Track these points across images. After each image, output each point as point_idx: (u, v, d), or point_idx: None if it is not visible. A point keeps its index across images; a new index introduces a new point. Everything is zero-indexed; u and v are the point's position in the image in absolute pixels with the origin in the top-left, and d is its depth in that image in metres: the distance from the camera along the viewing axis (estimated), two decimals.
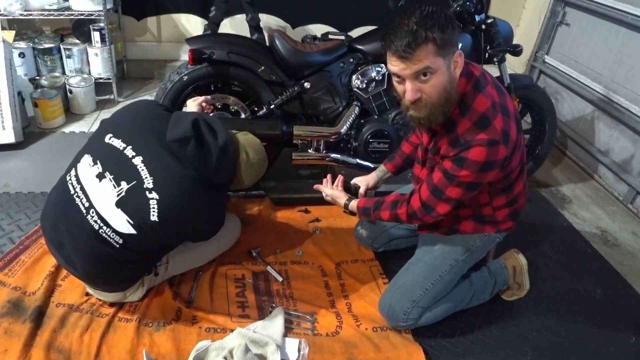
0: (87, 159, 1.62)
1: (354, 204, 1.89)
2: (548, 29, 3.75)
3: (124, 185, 1.53)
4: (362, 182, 2.08)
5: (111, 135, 1.62)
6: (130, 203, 1.53)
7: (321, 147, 2.53)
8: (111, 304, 1.83)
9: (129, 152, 1.56)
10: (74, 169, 1.65)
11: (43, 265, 1.97)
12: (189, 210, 1.58)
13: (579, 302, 2.12)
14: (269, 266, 2.12)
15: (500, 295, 2.08)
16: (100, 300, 1.84)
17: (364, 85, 2.45)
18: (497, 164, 1.54)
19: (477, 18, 2.40)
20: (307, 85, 2.43)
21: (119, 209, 1.53)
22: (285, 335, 1.76)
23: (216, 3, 3.34)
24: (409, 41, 1.40)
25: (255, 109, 2.51)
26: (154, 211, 1.52)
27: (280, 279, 2.06)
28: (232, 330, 1.75)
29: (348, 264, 2.19)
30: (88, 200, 1.57)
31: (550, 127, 2.81)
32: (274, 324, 1.77)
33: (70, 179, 1.65)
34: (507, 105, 1.59)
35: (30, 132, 3.07)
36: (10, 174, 2.64)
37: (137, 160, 1.55)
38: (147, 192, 1.52)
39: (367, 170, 2.55)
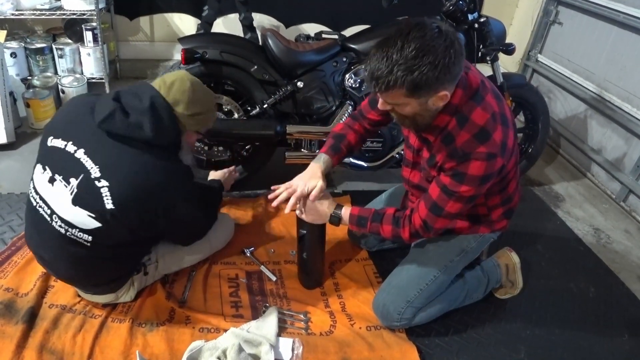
0: (38, 168, 1.61)
1: (346, 212, 1.76)
2: (541, 27, 3.76)
3: (74, 182, 1.51)
4: (318, 184, 1.78)
5: (52, 137, 1.59)
6: (85, 197, 1.50)
7: (314, 147, 2.53)
8: (104, 305, 1.82)
9: (71, 147, 1.53)
10: (31, 182, 1.64)
11: (35, 266, 1.95)
12: (146, 188, 1.52)
13: (572, 300, 2.13)
14: (262, 266, 2.12)
15: (494, 294, 2.08)
16: (91, 302, 1.83)
17: (357, 85, 2.45)
18: (495, 174, 1.54)
19: (470, 17, 2.40)
20: (300, 84, 2.43)
21: (77, 207, 1.51)
22: (279, 334, 1.76)
23: (209, 2, 3.34)
24: (379, 82, 1.39)
25: (249, 108, 2.51)
26: (107, 199, 1.49)
27: (274, 279, 2.06)
28: (225, 330, 1.74)
29: (342, 263, 2.18)
30: (48, 207, 1.56)
31: (543, 126, 2.82)
32: (268, 324, 1.77)
33: (31, 192, 1.64)
34: (506, 112, 1.58)
35: (22, 132, 3.05)
36: (2, 174, 2.63)
37: (80, 153, 1.51)
38: (95, 182, 1.49)
39: (360, 170, 2.56)
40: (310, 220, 1.81)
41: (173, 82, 1.62)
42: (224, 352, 1.59)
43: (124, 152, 1.51)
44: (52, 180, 1.55)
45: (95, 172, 1.49)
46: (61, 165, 1.54)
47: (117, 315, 1.80)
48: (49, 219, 1.57)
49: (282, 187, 1.80)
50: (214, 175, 2.25)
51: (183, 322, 1.80)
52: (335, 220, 1.77)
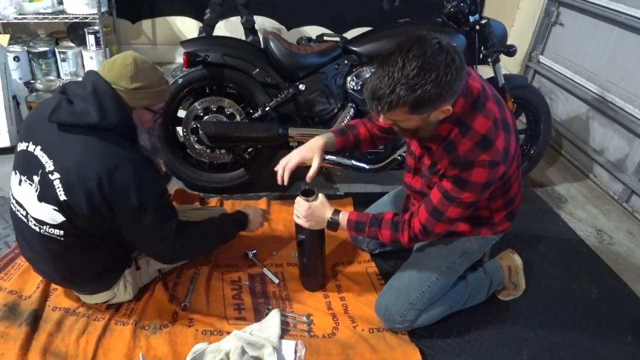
0: (12, 174, 1.65)
1: (344, 217, 1.77)
2: (542, 29, 3.76)
3: (36, 179, 1.55)
4: (314, 161, 1.84)
5: (20, 142, 1.63)
6: (45, 192, 1.53)
7: None
8: (107, 307, 1.83)
9: (31, 147, 1.57)
10: (11, 189, 1.68)
11: None
12: (94, 175, 1.48)
13: (575, 301, 2.13)
14: (265, 268, 2.12)
15: (496, 295, 2.08)
16: (93, 304, 1.84)
17: (359, 87, 2.45)
18: (496, 181, 1.55)
19: (471, 19, 2.40)
20: (301, 87, 2.44)
21: (42, 202, 1.54)
22: (281, 337, 1.76)
23: (211, 5, 3.35)
24: (381, 102, 1.37)
25: (251, 111, 2.51)
26: (60, 190, 1.51)
27: (277, 281, 2.06)
28: (228, 333, 1.74)
29: (344, 265, 2.19)
30: (23, 208, 1.60)
31: (545, 127, 2.82)
32: (271, 326, 1.77)
33: (11, 199, 1.68)
34: (507, 118, 1.58)
35: None
36: (5, 178, 2.63)
37: (38, 151, 1.55)
38: (49, 175, 1.51)
39: (361, 172, 2.56)
40: (308, 226, 1.81)
41: (116, 59, 1.60)
42: (227, 355, 1.60)
43: (74, 141, 1.51)
44: (20, 182, 1.59)
45: (49, 165, 1.52)
46: (25, 166, 1.58)
47: (120, 318, 1.81)
48: (25, 220, 1.61)
49: (280, 165, 1.84)
50: (247, 207, 2.11)
51: (186, 325, 1.80)
52: (333, 226, 1.78)
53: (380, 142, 2.01)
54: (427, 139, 1.59)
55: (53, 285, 1.91)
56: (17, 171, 1.62)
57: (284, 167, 1.84)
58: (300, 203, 1.81)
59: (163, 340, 1.73)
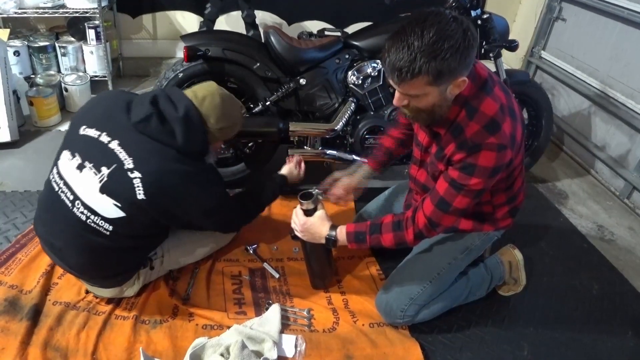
0: (65, 154, 1.64)
1: (341, 232, 1.73)
2: (544, 24, 3.75)
3: (105, 171, 1.55)
4: (345, 190, 2.00)
5: (85, 126, 1.63)
6: (114, 186, 1.55)
7: (317, 144, 2.53)
8: (108, 302, 1.83)
9: (104, 138, 1.58)
10: (55, 167, 1.68)
11: (39, 264, 1.97)
12: (175, 184, 1.57)
13: (576, 297, 2.13)
14: (265, 263, 2.12)
15: (497, 291, 2.08)
16: (97, 297, 1.84)
17: (360, 82, 2.44)
18: (503, 167, 1.53)
19: (473, 13, 2.39)
20: (302, 81, 2.43)
21: (104, 195, 1.55)
22: (281, 331, 1.76)
23: (212, 0, 3.34)
24: (402, 71, 1.34)
25: (251, 105, 2.51)
26: (139, 189, 1.53)
27: (277, 276, 2.06)
28: (228, 327, 1.74)
29: (345, 260, 2.18)
30: (72, 192, 1.59)
31: (547, 123, 2.81)
32: (271, 321, 1.77)
33: (53, 177, 1.67)
34: (514, 106, 1.57)
35: (25, 130, 3.06)
36: (6, 172, 2.64)
37: (114, 144, 1.56)
38: (128, 173, 1.53)
39: None
40: (305, 239, 1.81)
41: (204, 97, 1.68)
42: (227, 349, 1.60)
43: (157, 149, 1.57)
44: (81, 167, 1.58)
45: (129, 163, 1.54)
46: (93, 154, 1.58)
47: (120, 312, 1.81)
48: (70, 204, 1.59)
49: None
50: (283, 169, 2.17)
51: (186, 319, 1.81)
52: (331, 243, 1.74)
53: (410, 140, 1.95)
54: (438, 122, 1.56)
55: (54, 280, 1.92)
56: (76, 154, 1.61)
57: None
58: (298, 215, 1.80)
59: (163, 334, 1.73)
